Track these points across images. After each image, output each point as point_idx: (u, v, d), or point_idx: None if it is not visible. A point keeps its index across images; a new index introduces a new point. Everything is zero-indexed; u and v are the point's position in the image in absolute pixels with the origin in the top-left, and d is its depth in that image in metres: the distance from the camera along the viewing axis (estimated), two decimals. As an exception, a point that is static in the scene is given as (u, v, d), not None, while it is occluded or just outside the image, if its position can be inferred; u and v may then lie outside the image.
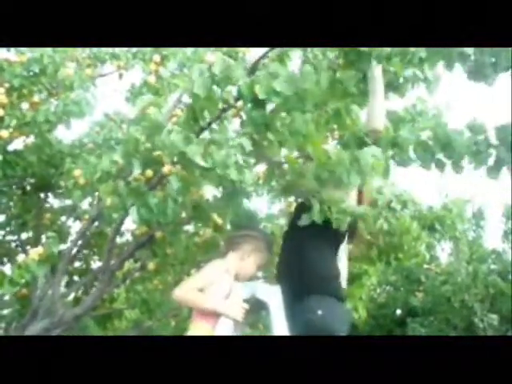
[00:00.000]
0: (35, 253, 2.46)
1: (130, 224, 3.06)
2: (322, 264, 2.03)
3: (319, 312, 1.87)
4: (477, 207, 6.72)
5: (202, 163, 1.63)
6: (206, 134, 2.04)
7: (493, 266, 6.34)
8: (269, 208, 3.42)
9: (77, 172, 2.36)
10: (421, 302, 6.19)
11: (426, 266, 6.14)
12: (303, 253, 2.01)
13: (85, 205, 3.83)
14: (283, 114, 1.72)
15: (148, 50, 3.26)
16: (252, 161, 1.79)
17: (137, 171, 2.36)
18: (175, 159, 1.99)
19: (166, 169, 2.03)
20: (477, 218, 6.67)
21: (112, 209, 1.90)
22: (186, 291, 1.94)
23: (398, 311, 6.47)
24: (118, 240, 3.16)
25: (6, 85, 2.63)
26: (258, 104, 1.71)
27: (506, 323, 5.69)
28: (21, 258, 3.53)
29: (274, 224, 3.06)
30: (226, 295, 1.96)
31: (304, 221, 1.92)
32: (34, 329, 2.78)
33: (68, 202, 3.79)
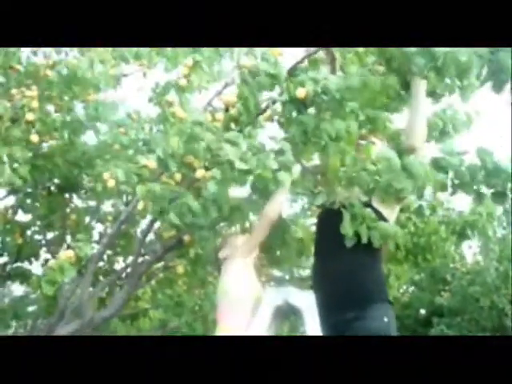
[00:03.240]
0: (66, 256, 2.45)
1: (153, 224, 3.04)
2: (371, 270, 2.00)
3: (385, 319, 1.88)
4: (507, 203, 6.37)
5: (242, 166, 1.60)
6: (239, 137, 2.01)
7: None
8: (290, 206, 3.41)
9: (106, 175, 2.34)
10: (447, 302, 6.03)
11: (451, 264, 5.98)
12: (348, 261, 1.95)
13: (107, 206, 3.85)
14: (325, 119, 1.67)
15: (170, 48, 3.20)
16: (292, 161, 1.75)
17: (168, 174, 2.34)
18: (208, 163, 1.96)
19: (200, 173, 1.99)
20: (507, 215, 6.23)
21: (147, 212, 1.87)
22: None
23: (422, 311, 6.33)
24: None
25: (35, 91, 2.61)
26: (302, 108, 1.67)
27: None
28: (47, 256, 3.60)
29: (299, 225, 3.00)
30: (255, 301, 1.91)
31: (349, 242, 1.88)
32: (64, 331, 2.78)
33: (91, 203, 3.80)
